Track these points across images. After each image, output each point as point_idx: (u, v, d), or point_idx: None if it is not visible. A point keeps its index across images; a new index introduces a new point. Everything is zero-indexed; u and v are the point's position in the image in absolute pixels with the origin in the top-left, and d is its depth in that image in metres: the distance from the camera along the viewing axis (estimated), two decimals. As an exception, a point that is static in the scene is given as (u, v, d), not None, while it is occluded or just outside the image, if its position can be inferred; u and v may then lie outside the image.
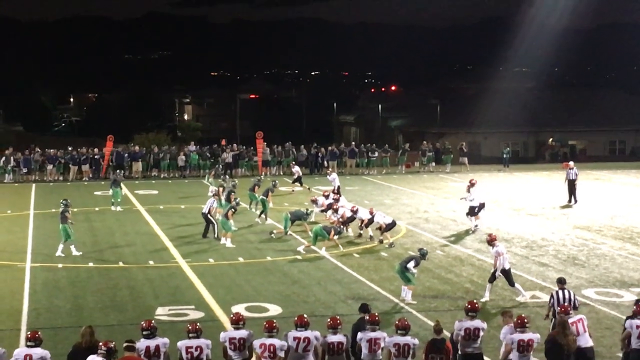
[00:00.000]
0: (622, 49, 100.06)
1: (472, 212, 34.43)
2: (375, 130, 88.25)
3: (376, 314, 15.93)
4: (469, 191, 35.24)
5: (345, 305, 23.00)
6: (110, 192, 40.36)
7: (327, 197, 35.95)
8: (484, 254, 29.68)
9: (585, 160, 64.53)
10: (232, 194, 34.49)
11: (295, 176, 46.94)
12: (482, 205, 34.53)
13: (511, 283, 23.58)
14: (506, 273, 23.44)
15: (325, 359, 15.17)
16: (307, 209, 34.53)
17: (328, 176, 44.41)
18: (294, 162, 52.03)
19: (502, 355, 15.74)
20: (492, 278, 23.60)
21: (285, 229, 32.88)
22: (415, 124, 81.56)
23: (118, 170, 49.86)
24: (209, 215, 32.73)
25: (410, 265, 23.51)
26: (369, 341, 15.26)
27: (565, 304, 17.67)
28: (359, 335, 15.48)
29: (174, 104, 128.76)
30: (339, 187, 41.17)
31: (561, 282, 18.78)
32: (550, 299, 18.56)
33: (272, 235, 32.73)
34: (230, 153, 55.00)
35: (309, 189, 45.57)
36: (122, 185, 42.62)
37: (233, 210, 31.94)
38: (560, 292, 18.38)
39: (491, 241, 23.89)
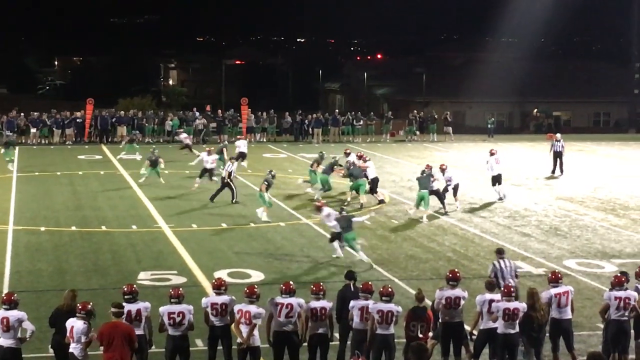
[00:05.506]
0: (609, 21, 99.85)
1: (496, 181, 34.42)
2: (361, 98, 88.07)
3: (370, 283, 15.95)
4: (443, 174, 33.85)
5: (328, 272, 23.07)
6: (2, 151, 40.98)
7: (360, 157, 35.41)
8: (467, 223, 29.81)
9: (569, 131, 64.58)
10: (336, 166, 34.86)
11: (186, 142, 46.30)
12: (456, 187, 32.73)
13: (331, 240, 24.64)
14: (337, 235, 24.39)
15: (309, 324, 15.24)
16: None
17: (236, 142, 43.98)
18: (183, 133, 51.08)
19: (475, 319, 15.98)
20: (332, 239, 24.56)
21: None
22: (400, 93, 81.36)
23: (9, 132, 50.41)
24: (227, 180, 32.75)
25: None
26: (361, 309, 15.31)
27: (508, 274, 17.61)
28: (352, 303, 15.48)
29: (159, 69, 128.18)
30: (241, 152, 41.32)
31: (500, 252, 18.50)
32: (491, 271, 18.18)
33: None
34: (203, 120, 54.93)
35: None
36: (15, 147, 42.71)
37: (267, 183, 30.08)
38: (501, 262, 18.13)
39: (319, 207, 25.37)
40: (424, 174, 31.26)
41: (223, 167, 38.81)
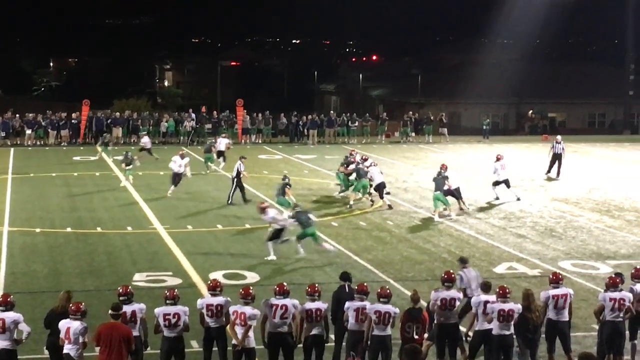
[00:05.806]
0: (604, 22, 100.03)
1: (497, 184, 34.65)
2: (356, 99, 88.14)
3: (365, 284, 15.95)
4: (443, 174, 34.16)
5: (323, 274, 23.07)
6: None
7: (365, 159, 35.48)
8: (462, 224, 29.83)
9: (564, 132, 64.47)
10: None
11: (147, 146, 45.45)
12: (457, 190, 32.64)
13: (269, 238, 24.80)
14: (278, 232, 24.64)
15: (304, 326, 15.24)
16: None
17: (218, 139, 44.00)
18: (145, 133, 50.73)
19: (470, 320, 16.08)
20: (272, 237, 24.83)
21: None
22: (396, 94, 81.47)
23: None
24: (240, 177, 32.83)
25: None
26: (356, 310, 15.31)
27: (474, 282, 17.36)
28: (347, 304, 15.49)
29: (154, 70, 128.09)
30: (219, 151, 41.58)
31: (463, 261, 18.20)
32: (460, 282, 17.64)
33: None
34: (192, 122, 54.91)
35: (156, 159, 44.24)
36: None
37: (289, 186, 30.50)
38: (466, 271, 17.88)
39: (263, 209, 25.18)
40: (440, 175, 31.26)
41: (208, 165, 39.98)
